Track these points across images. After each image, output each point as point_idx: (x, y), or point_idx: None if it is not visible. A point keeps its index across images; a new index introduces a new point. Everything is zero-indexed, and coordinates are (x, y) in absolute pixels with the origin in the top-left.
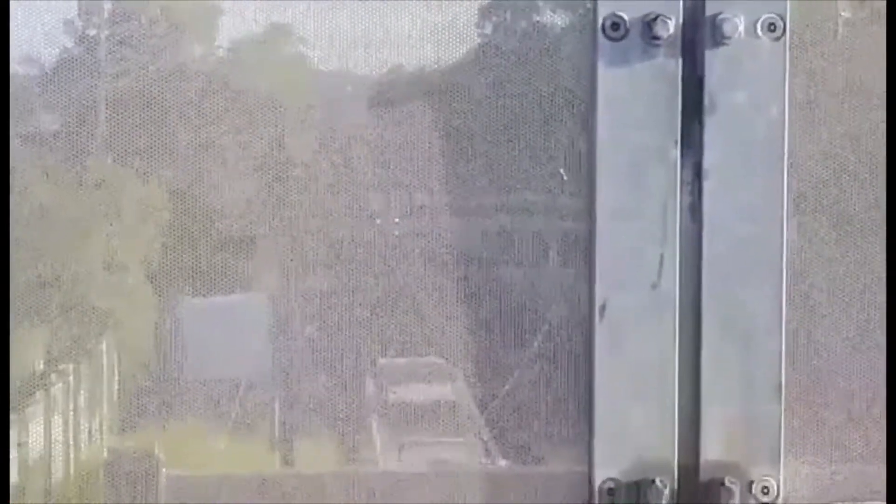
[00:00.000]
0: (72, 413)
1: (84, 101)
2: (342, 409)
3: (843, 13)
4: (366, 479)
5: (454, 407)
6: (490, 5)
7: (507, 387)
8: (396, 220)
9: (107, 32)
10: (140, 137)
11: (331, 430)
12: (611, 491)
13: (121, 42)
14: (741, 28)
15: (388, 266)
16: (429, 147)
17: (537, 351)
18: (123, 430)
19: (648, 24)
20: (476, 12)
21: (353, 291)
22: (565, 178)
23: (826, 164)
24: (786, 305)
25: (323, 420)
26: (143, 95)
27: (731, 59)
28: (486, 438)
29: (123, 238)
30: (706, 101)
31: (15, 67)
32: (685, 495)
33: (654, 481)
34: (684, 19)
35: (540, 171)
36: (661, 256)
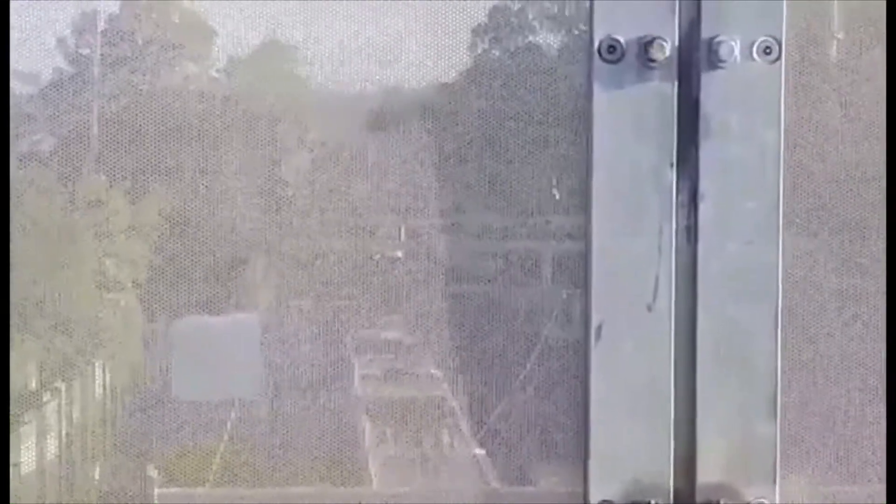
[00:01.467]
0: (63, 430)
1: (77, 121)
2: (335, 433)
3: (837, 35)
4: None
5: (450, 428)
6: (486, 26)
7: (502, 407)
8: (399, 240)
9: (101, 52)
10: (133, 157)
11: (322, 452)
12: None
13: (115, 62)
14: (737, 51)
15: (384, 286)
16: (425, 167)
17: (533, 371)
18: (115, 448)
19: (644, 47)
20: (472, 33)
21: (347, 311)
22: (558, 198)
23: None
24: (781, 326)
25: (317, 447)
26: (137, 115)
27: (726, 82)
28: (481, 462)
29: (115, 257)
30: (702, 123)
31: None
32: None
33: (649, 503)
34: (680, 42)
35: (536, 193)
36: (657, 278)
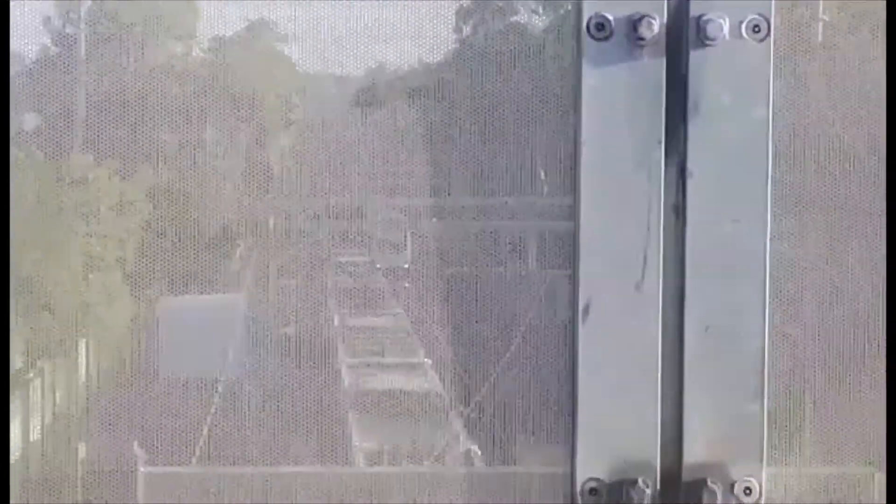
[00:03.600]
0: (49, 409)
1: (64, 100)
2: (319, 411)
3: (823, 17)
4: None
5: (435, 404)
6: (472, 6)
7: (489, 387)
8: (385, 222)
9: (87, 31)
10: (119, 136)
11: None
12: (593, 490)
13: (101, 41)
14: (725, 29)
15: (369, 266)
16: (410, 147)
17: (520, 351)
18: (100, 426)
19: (633, 25)
20: (458, 12)
21: (333, 292)
22: (544, 177)
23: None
24: (769, 306)
25: (302, 428)
26: (123, 94)
27: (715, 61)
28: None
29: (101, 236)
30: (690, 101)
31: None
32: (668, 496)
33: (636, 481)
34: (669, 20)
35: (523, 172)
36: (645, 256)
